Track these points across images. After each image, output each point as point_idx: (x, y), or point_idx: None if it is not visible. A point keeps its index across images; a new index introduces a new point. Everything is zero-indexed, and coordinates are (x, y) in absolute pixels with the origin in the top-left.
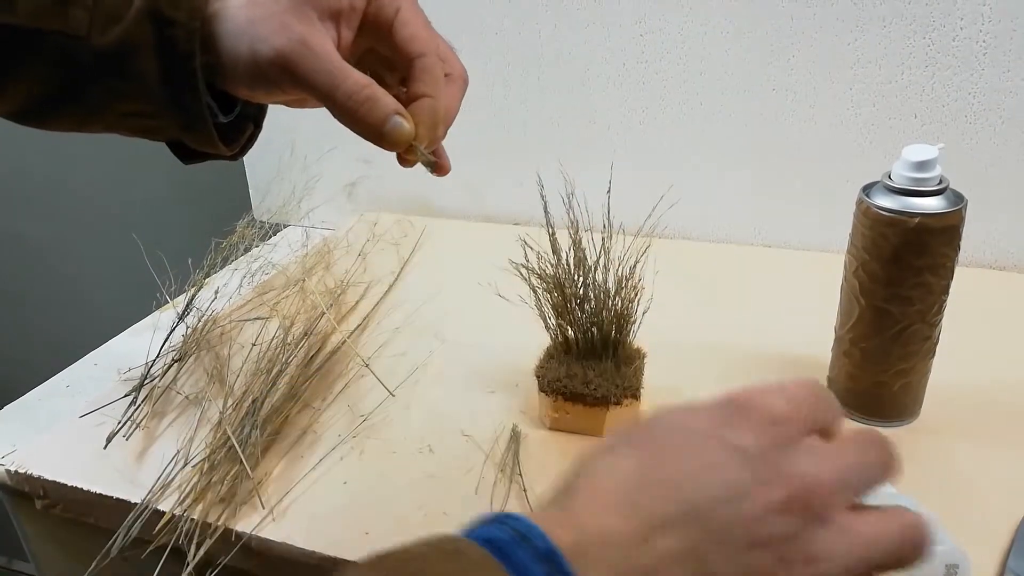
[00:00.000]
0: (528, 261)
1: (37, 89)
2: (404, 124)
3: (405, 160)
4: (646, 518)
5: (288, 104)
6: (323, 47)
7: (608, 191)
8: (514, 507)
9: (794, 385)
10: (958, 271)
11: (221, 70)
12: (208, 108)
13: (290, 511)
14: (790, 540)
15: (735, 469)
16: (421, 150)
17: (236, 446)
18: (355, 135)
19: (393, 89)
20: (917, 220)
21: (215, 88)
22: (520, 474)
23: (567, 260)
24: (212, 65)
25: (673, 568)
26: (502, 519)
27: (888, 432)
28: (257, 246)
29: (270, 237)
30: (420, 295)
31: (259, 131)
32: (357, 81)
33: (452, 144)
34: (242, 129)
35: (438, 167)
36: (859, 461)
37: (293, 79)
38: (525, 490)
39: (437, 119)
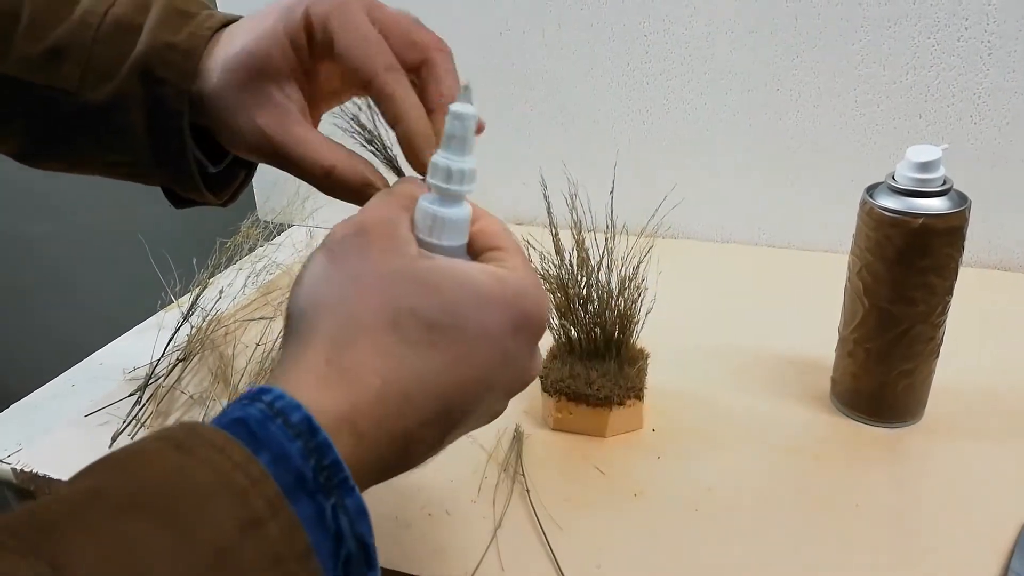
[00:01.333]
0: (531, 261)
1: (27, 136)
2: (374, 191)
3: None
4: (413, 419)
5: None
6: (286, 136)
7: (611, 191)
8: (517, 508)
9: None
10: (962, 272)
11: (216, 135)
12: (196, 162)
13: None
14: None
15: (502, 382)
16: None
17: None
18: None
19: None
20: (921, 221)
21: (205, 136)
22: (523, 475)
23: (570, 260)
24: (206, 124)
25: (426, 430)
26: (253, 395)
27: (892, 433)
28: (261, 246)
29: (274, 237)
30: None
31: (250, 178)
32: (322, 167)
33: None
34: (232, 177)
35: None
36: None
37: (273, 165)
38: (528, 491)
39: (417, 143)
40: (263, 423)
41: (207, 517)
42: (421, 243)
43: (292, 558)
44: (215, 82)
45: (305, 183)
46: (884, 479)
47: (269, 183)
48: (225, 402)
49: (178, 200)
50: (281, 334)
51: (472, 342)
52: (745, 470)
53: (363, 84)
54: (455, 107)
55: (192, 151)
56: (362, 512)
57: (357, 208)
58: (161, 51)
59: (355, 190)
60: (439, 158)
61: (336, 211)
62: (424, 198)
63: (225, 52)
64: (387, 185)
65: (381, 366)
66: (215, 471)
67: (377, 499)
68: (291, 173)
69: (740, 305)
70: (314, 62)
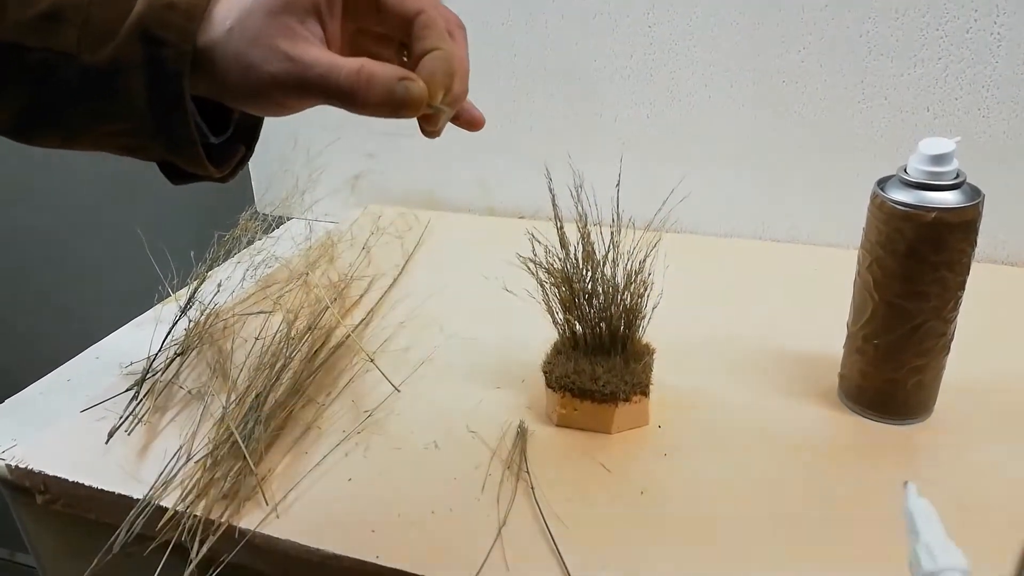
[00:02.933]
0: (536, 255)
1: (19, 106)
2: (412, 86)
3: (430, 131)
4: None
5: (298, 111)
6: (308, 54)
7: (617, 184)
8: (522, 506)
9: None
10: (973, 267)
11: (221, 93)
12: (197, 128)
13: (294, 508)
14: None
15: None
16: (440, 107)
17: (239, 441)
18: (361, 123)
19: (394, 62)
20: (934, 215)
21: (208, 109)
22: (528, 472)
23: (575, 254)
24: (208, 86)
25: None
26: None
27: (901, 431)
28: (260, 239)
29: (273, 230)
30: (425, 289)
31: (251, 154)
32: (350, 69)
33: (457, 135)
34: (233, 151)
35: (472, 121)
36: None
37: (294, 94)
38: (533, 488)
39: (449, 67)
40: None
41: None
42: None
43: None
44: (228, 25)
45: (303, 177)
46: (893, 477)
47: (267, 176)
48: (222, 399)
49: (176, 175)
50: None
51: None
52: (752, 468)
53: (406, 20)
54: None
55: (193, 116)
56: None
57: (359, 200)
58: (160, 10)
59: (386, 90)
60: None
61: (336, 204)
62: None
63: None
64: (419, 80)
65: None
66: None
67: (379, 495)
68: (314, 96)
69: (747, 300)
70: (343, 6)
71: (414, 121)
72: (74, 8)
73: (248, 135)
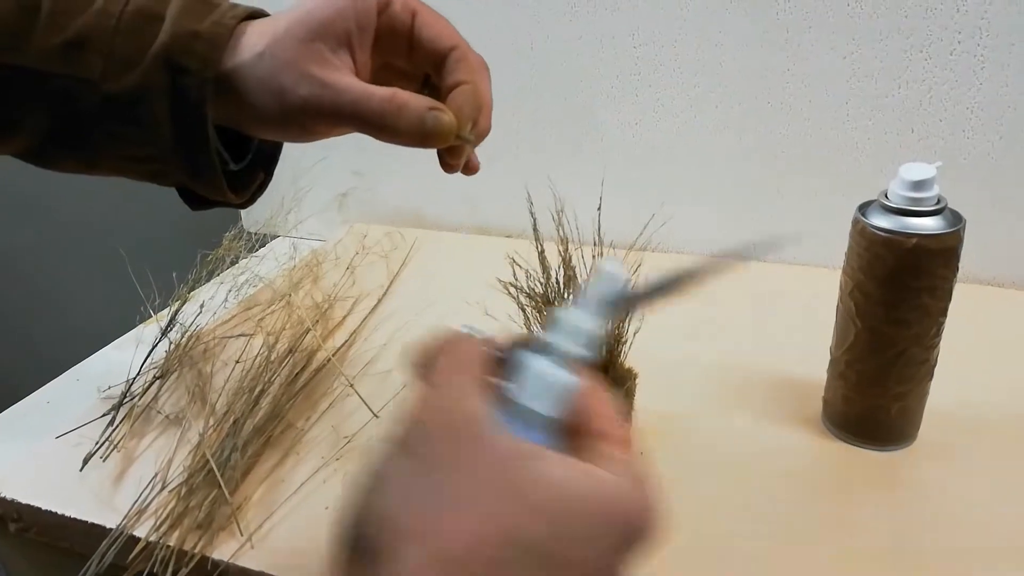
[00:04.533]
0: (517, 279)
1: (42, 130)
2: (442, 116)
3: (452, 163)
4: None
5: (324, 138)
6: (341, 81)
7: (598, 208)
8: None
9: None
10: (956, 288)
11: (248, 120)
12: (218, 155)
13: (269, 538)
14: None
15: None
16: (467, 138)
17: (215, 469)
18: (347, 142)
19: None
20: (914, 241)
21: (228, 136)
22: None
23: (556, 279)
24: (235, 114)
25: None
26: None
27: (885, 457)
28: (245, 258)
29: (258, 249)
30: (409, 310)
31: (269, 179)
32: (382, 96)
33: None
34: (252, 178)
35: (471, 166)
36: None
37: (324, 119)
38: None
39: (480, 101)
40: None
41: None
42: (509, 407)
43: None
44: (259, 50)
45: (289, 195)
46: (877, 504)
47: None
48: (200, 425)
49: (195, 201)
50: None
51: (583, 568)
52: (736, 496)
53: (440, 55)
54: (607, 266)
55: (215, 142)
56: None
57: (345, 218)
58: (185, 39)
59: (418, 119)
60: (573, 315)
61: (323, 222)
62: (539, 359)
63: (276, 22)
64: (448, 111)
65: None
66: None
67: None
68: (345, 121)
69: (730, 322)
70: (373, 41)
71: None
72: (99, 36)
73: (267, 161)
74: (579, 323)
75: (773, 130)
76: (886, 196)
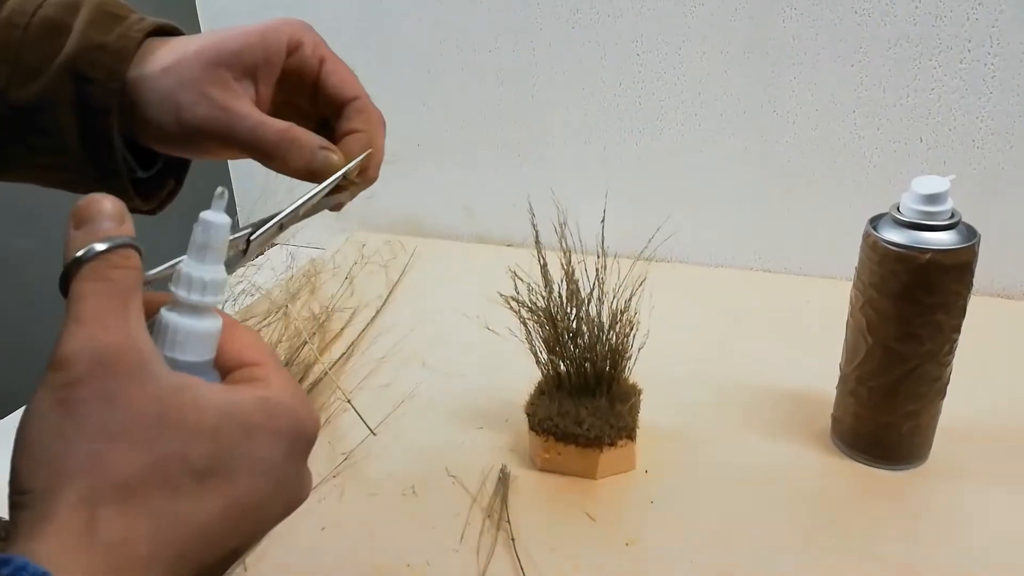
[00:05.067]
0: (518, 293)
1: None
2: (331, 156)
3: (336, 203)
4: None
5: (216, 159)
6: (240, 108)
7: (602, 220)
8: (502, 558)
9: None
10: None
11: (147, 133)
12: (125, 163)
13: (264, 561)
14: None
15: (276, 511)
16: (354, 181)
17: None
18: None
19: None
20: (928, 256)
21: (137, 145)
22: (508, 521)
23: (559, 292)
24: (134, 126)
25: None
26: (7, 560)
27: (896, 476)
28: (242, 267)
29: (255, 257)
30: (407, 322)
31: (180, 186)
32: (278, 129)
33: (445, 160)
34: (162, 184)
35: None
36: None
37: (219, 141)
38: (513, 540)
39: (374, 147)
40: None
41: None
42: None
43: None
44: (164, 65)
45: (286, 202)
46: (888, 524)
47: (251, 202)
48: None
49: None
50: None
51: (247, 480)
52: (742, 516)
53: (342, 102)
54: (205, 215)
55: (121, 151)
56: None
57: (344, 226)
58: (91, 51)
59: (309, 155)
60: (188, 267)
61: (321, 230)
62: (168, 309)
63: (188, 43)
64: (339, 152)
65: (151, 531)
66: None
67: (353, 546)
68: (238, 147)
69: (737, 335)
70: (279, 78)
71: (407, 146)
72: (5, 46)
73: (178, 169)
74: (199, 274)
75: (779, 139)
76: (898, 210)
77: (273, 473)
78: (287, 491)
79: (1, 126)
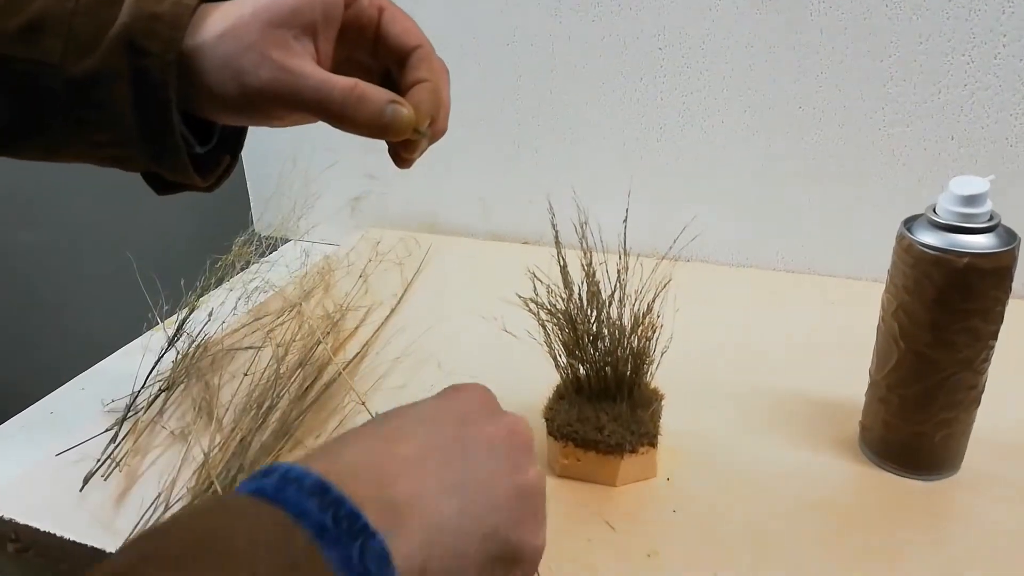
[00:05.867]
0: (537, 294)
1: (3, 116)
2: (401, 109)
3: (405, 158)
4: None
5: (283, 125)
6: (304, 68)
7: (624, 220)
8: None
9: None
10: None
11: (207, 102)
12: (183, 138)
13: None
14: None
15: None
16: (423, 133)
17: (219, 491)
18: (361, 145)
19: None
20: (966, 260)
21: (192, 118)
22: None
23: (579, 294)
24: (194, 97)
25: (442, 500)
26: (266, 471)
27: (927, 487)
28: (255, 263)
29: (268, 254)
30: (423, 322)
31: (235, 162)
32: (344, 86)
33: (460, 156)
34: (218, 161)
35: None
36: None
37: (284, 104)
38: None
39: (437, 98)
40: (279, 488)
41: (251, 565)
42: None
43: None
44: (220, 30)
45: (301, 199)
46: (919, 536)
47: (264, 198)
48: (205, 441)
49: (161, 185)
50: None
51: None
52: (767, 526)
53: (404, 52)
54: None
55: (179, 125)
56: (385, 557)
57: (358, 223)
58: (145, 21)
59: (378, 110)
60: None
61: (335, 227)
62: None
63: (242, 5)
64: (408, 105)
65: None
66: (250, 526)
67: None
68: (304, 108)
69: (762, 338)
70: (339, 33)
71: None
72: (57, 19)
73: (232, 145)
74: None
75: (805, 136)
76: (934, 211)
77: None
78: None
79: (56, 102)
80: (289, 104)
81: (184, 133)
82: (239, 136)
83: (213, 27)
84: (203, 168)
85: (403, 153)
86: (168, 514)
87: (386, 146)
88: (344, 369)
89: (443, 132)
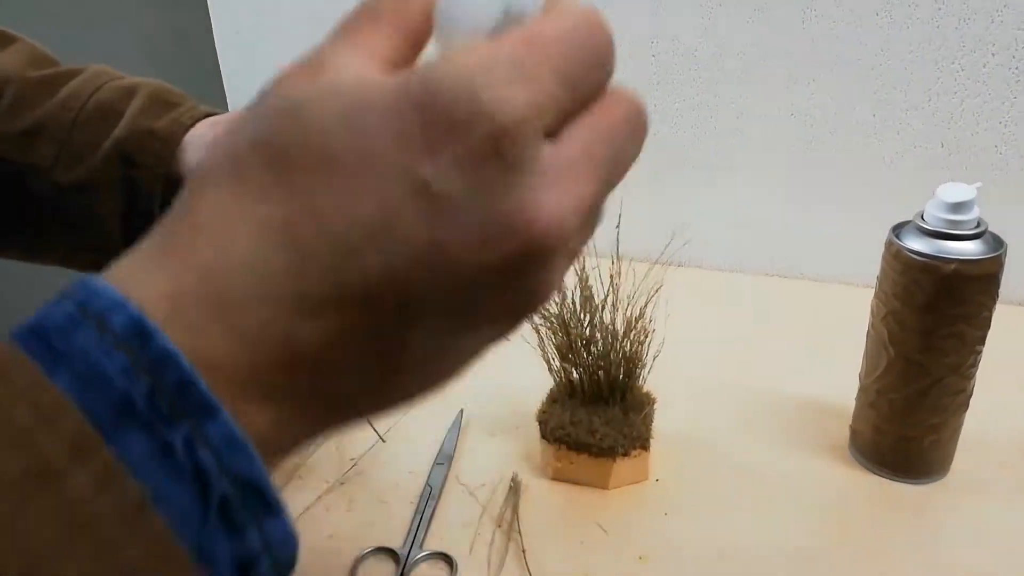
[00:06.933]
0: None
1: None
2: None
3: None
4: (296, 295)
5: None
6: None
7: (617, 225)
8: (512, 571)
9: (555, 43)
10: None
11: None
12: None
13: None
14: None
15: (427, 226)
16: None
17: None
18: None
19: None
20: (953, 266)
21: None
22: (519, 531)
23: (572, 299)
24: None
25: (346, 357)
26: (73, 290)
27: (916, 490)
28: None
29: None
30: None
31: None
32: None
33: None
34: None
35: None
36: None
37: None
38: (524, 551)
39: None
40: (66, 330)
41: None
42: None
43: (113, 518)
44: (209, 139)
45: None
46: (908, 539)
47: None
48: None
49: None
50: None
51: (351, 176)
52: (758, 529)
53: None
54: None
55: None
56: (234, 442)
57: None
58: (141, 136)
59: None
60: None
61: None
62: None
63: (231, 113)
64: None
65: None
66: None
67: (360, 558)
68: None
69: (753, 342)
70: None
71: None
72: (58, 127)
73: None
74: None
75: (796, 141)
76: (922, 218)
77: (395, 170)
78: (456, 209)
79: (42, 206)
80: None
81: None
82: None
83: (199, 137)
84: None
85: None
86: None
87: None
88: None
89: None
